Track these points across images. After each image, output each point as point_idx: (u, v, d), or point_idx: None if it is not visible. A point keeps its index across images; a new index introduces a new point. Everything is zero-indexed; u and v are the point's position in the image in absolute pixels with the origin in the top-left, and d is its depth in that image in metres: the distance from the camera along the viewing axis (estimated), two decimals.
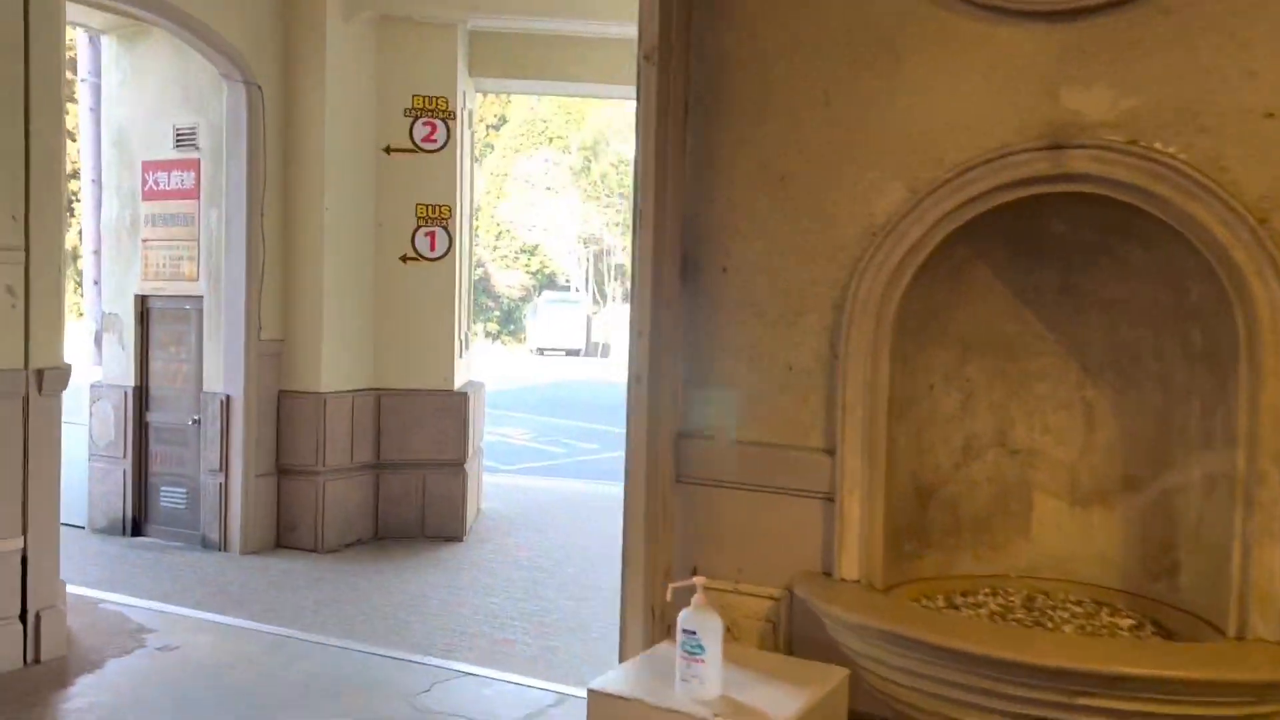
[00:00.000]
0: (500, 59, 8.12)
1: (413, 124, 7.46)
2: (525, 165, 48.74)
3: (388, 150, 7.45)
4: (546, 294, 48.56)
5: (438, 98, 7.48)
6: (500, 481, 10.41)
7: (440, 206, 7.54)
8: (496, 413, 17.17)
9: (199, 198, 7.04)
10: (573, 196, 48.07)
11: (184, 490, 7.23)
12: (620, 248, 49.68)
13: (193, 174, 7.04)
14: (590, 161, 46.73)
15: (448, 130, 7.50)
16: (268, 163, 6.95)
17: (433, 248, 7.56)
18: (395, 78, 7.39)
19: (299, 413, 7.13)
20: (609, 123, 45.47)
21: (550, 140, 59.36)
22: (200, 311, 7.09)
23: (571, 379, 27.29)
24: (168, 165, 7.11)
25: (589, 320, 47.55)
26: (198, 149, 7.01)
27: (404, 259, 7.51)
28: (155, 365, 7.33)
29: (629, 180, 36.52)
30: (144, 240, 7.24)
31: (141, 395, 7.35)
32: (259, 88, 6.84)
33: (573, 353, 45.72)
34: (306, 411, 7.12)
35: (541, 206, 50.26)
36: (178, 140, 7.06)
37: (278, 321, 7.12)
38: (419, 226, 7.52)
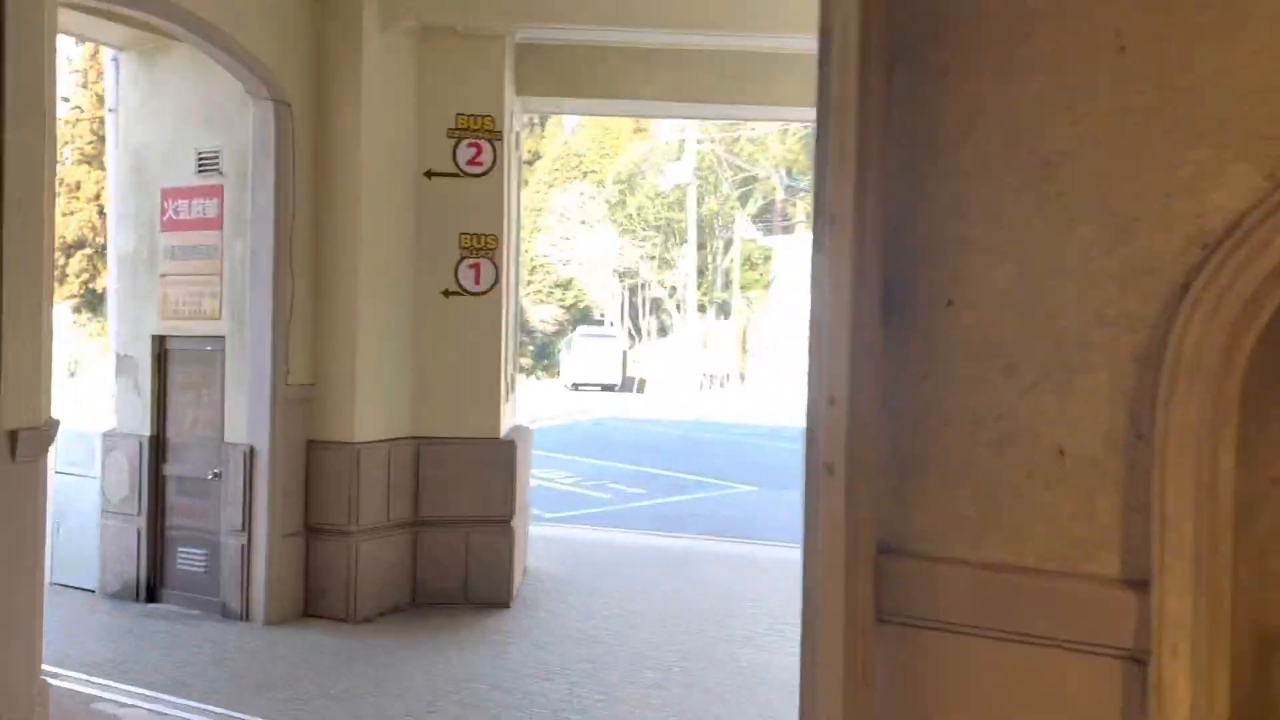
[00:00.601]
0: (552, 75, 7.44)
1: (456, 145, 6.77)
2: (560, 199, 48.39)
3: (429, 174, 6.77)
4: (581, 328, 47.98)
5: (483, 116, 6.80)
6: (545, 533, 9.61)
7: (486, 236, 6.83)
8: (536, 454, 16.43)
9: (222, 228, 6.38)
10: (608, 230, 47.63)
11: (204, 551, 6.50)
12: (656, 281, 49.11)
13: (216, 201, 6.39)
14: (626, 195, 46.30)
15: (494, 152, 6.81)
16: (297, 189, 6.29)
17: (477, 281, 6.84)
18: (438, 95, 6.73)
19: (330, 465, 6.40)
20: (646, 155, 45.07)
21: (585, 175, 59.19)
22: (223, 353, 6.40)
23: (612, 416, 26.49)
24: (189, 193, 6.47)
25: (624, 355, 46.87)
26: (221, 174, 6.36)
27: (446, 294, 6.80)
28: (174, 413, 6.65)
29: (666, 212, 35.83)
30: (162, 275, 6.58)
31: (158, 445, 6.66)
32: (288, 106, 6.19)
33: (608, 388, 44.97)
34: (338, 464, 6.38)
35: (576, 240, 49.86)
36: (200, 165, 6.42)
37: (307, 364, 6.41)
38: (463, 258, 6.81)
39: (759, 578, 7.91)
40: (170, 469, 6.65)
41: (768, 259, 46.79)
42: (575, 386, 44.67)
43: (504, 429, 7.10)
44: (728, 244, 45.99)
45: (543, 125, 79.46)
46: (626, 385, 47.10)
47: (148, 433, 6.63)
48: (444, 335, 6.81)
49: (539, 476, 13.98)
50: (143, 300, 6.68)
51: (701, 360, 38.89)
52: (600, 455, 16.96)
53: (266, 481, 6.21)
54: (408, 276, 6.72)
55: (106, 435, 6.79)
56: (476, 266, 6.84)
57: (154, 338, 6.63)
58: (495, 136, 6.82)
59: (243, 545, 6.26)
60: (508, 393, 7.35)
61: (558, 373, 55.69)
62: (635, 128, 56.22)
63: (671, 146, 40.93)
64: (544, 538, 9.45)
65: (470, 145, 6.80)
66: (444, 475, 6.78)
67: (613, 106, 8.07)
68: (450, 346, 6.82)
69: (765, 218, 43.70)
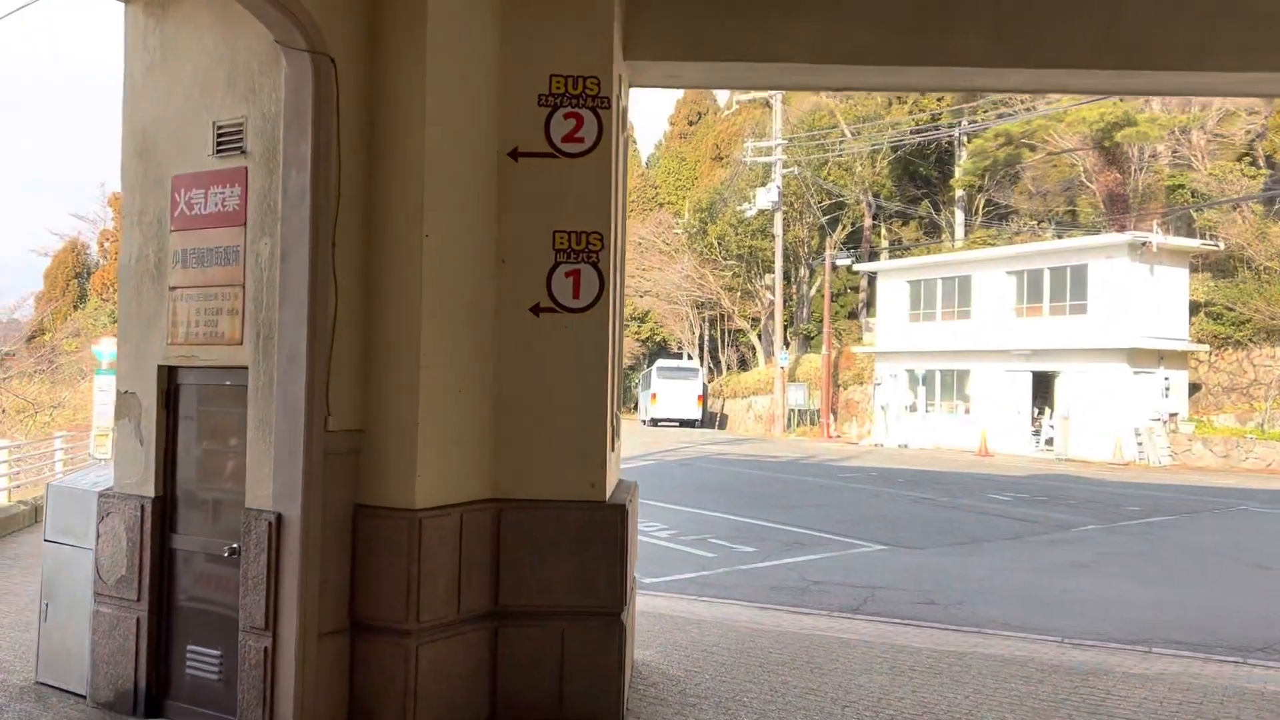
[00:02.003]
0: (667, 30, 5.79)
1: (550, 116, 5.17)
2: (636, 229, 46.98)
3: (514, 155, 5.16)
4: (659, 362, 46.35)
5: (586, 79, 5.18)
6: (647, 605, 7.86)
7: (588, 235, 5.19)
8: None
9: (245, 223, 4.85)
10: (686, 260, 46.03)
11: (219, 653, 4.91)
12: (737, 312, 47.21)
13: (238, 190, 4.86)
14: (705, 223, 44.67)
15: (599, 124, 5.18)
16: (342, 170, 4.73)
17: (576, 294, 5.18)
18: (526, 50, 5.15)
19: (383, 539, 4.77)
20: (728, 181, 43.46)
21: (660, 205, 57.87)
22: (246, 389, 4.84)
23: (701, 455, 24.63)
24: (205, 180, 4.96)
25: (705, 389, 45.02)
26: (244, 153, 4.84)
27: (537, 310, 5.16)
28: (184, 467, 5.10)
29: (749, 240, 34.02)
30: (171, 288, 5.07)
31: (165, 510, 5.12)
32: (330, 61, 4.65)
33: (688, 423, 43.17)
34: (394, 537, 4.75)
35: (653, 271, 48.35)
36: (219, 143, 4.91)
37: (354, 404, 4.81)
38: (558, 263, 5.17)
39: (952, 688, 6.01)
40: (179, 541, 5.10)
41: (856, 288, 44.63)
42: (654, 422, 42.97)
43: (609, 488, 5.39)
44: (814, 272, 43.98)
45: (677, 85, 77.63)
46: (707, 421, 45.21)
47: (151, 493, 5.10)
48: (533, 365, 5.17)
49: None
50: (147, 321, 5.17)
51: (788, 395, 36.86)
52: (696, 503, 15.15)
53: (298, 562, 4.59)
54: (486, 288, 5.10)
55: (102, 496, 5.27)
56: (575, 275, 5.18)
57: (160, 369, 5.11)
58: (601, 104, 5.18)
59: (266, 648, 4.63)
60: (613, 440, 5.65)
61: (634, 408, 54.08)
62: (715, 154, 54.78)
63: (756, 171, 39.25)
64: (648, 612, 7.70)
65: (568, 116, 5.18)
66: (532, 551, 5.09)
67: (743, 73, 6.39)
68: (541, 380, 5.17)
69: (852, 245, 41.65)
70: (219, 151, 4.92)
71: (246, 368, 4.84)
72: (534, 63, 5.15)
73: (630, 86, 6.39)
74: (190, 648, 5.02)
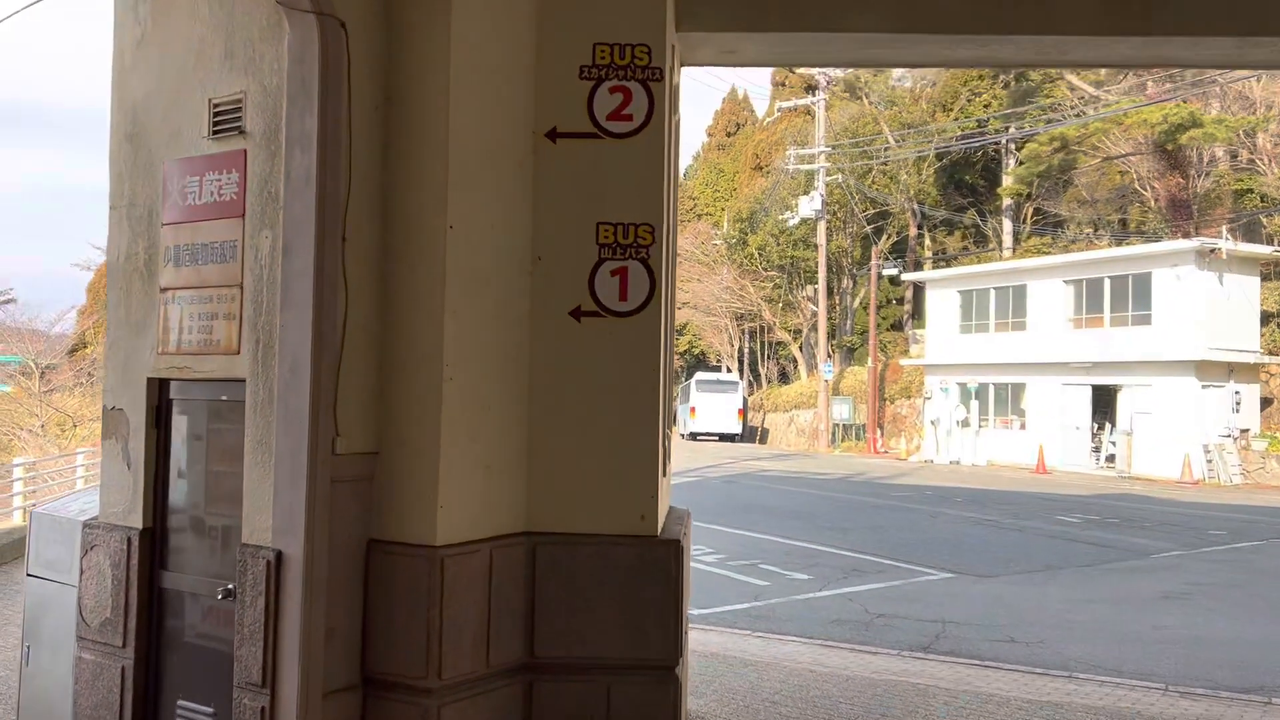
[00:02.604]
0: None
1: (593, 91, 4.49)
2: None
3: (552, 135, 4.49)
4: (698, 375, 45.52)
5: (635, 47, 4.50)
6: (698, 643, 7.11)
7: (637, 227, 4.49)
8: None
9: (244, 214, 4.21)
10: (726, 271, 45.23)
11: (211, 710, 4.25)
12: (778, 324, 46.26)
13: (235, 176, 4.23)
14: (746, 233, 43.84)
15: (650, 100, 4.49)
16: (354, 151, 4.08)
17: (624, 295, 4.49)
18: (566, 15, 4.47)
19: (400, 581, 4.10)
20: (769, 190, 42.63)
21: (699, 217, 57.17)
22: (244, 405, 4.19)
23: (744, 473, 23.82)
24: (199, 165, 4.33)
25: (745, 402, 44.11)
26: (243, 133, 4.20)
27: (578, 314, 4.47)
28: (176, 495, 4.47)
29: (790, 251, 33.13)
30: (163, 289, 4.44)
31: (154, 544, 4.47)
32: (340, 25, 4.01)
33: (727, 438, 42.28)
34: (412, 578, 4.07)
35: (692, 283, 47.61)
36: (216, 123, 4.29)
37: (366, 423, 4.15)
38: (602, 260, 4.48)
39: None
40: (170, 579, 4.46)
41: (900, 300, 43.53)
42: (693, 436, 42.12)
43: (661, 519, 4.67)
44: (857, 283, 42.94)
45: (733, 61, 76.06)
46: (747, 435, 44.27)
47: (139, 524, 4.46)
48: (573, 377, 4.48)
49: None
50: (136, 328, 4.55)
51: (832, 409, 35.87)
52: (743, 523, 14.35)
53: (300, 607, 3.92)
54: (519, 289, 4.43)
55: (86, 526, 4.65)
56: (622, 273, 4.49)
57: (150, 382, 4.48)
58: (652, 76, 4.49)
59: (263, 708, 3.96)
60: (665, 464, 4.93)
61: (673, 422, 53.36)
62: (754, 164, 53.98)
63: (798, 179, 38.39)
64: (700, 651, 6.97)
65: (614, 90, 4.49)
66: (573, 594, 4.39)
67: (810, 47, 5.65)
68: (582, 394, 4.48)
69: (897, 255, 40.60)
70: (215, 133, 4.29)
71: (244, 380, 4.19)
72: (575, 29, 4.48)
73: (681, 65, 5.69)
74: (181, 703, 4.37)
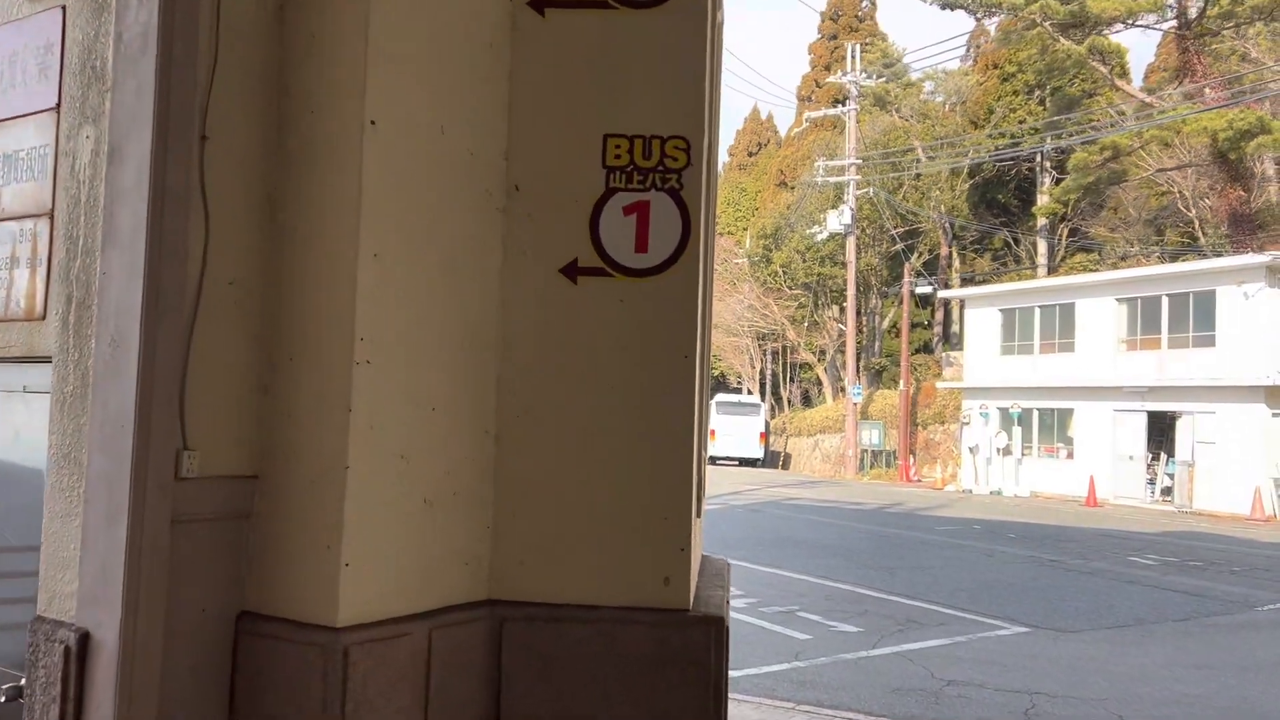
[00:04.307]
0: None
1: None
2: None
3: (539, 3, 3.00)
4: (719, 397, 43.86)
5: None
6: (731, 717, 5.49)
7: (664, 142, 3.00)
8: None
9: (58, 107, 2.73)
10: (749, 289, 43.62)
11: None
12: (802, 345, 44.52)
13: (53, 48, 2.75)
14: (770, 249, 42.25)
15: None
16: (223, 2, 2.60)
17: (642, 243, 2.98)
18: None
19: (281, 680, 2.58)
20: (795, 204, 41.09)
21: (720, 235, 55.75)
22: (53, 399, 2.69)
23: (773, 500, 22.18)
24: (6, 40, 2.86)
25: (768, 426, 42.36)
26: None
27: (574, 271, 2.97)
28: None
29: (817, 268, 31.62)
30: None
31: None
32: None
33: (749, 462, 40.57)
34: (299, 678, 2.55)
35: (713, 301, 46.12)
36: None
37: (236, 431, 2.66)
38: (611, 191, 2.98)
39: None
40: None
41: (928, 324, 41.79)
42: (713, 461, 40.45)
43: (694, 582, 3.12)
44: (885, 303, 41.24)
45: None
46: (769, 460, 42.51)
47: None
48: (565, 365, 2.97)
49: None
50: None
51: (860, 434, 34.12)
52: (774, 560, 12.73)
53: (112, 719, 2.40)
54: (484, 231, 2.93)
55: None
56: (641, 211, 2.98)
57: None
58: None
59: None
60: (699, 500, 3.38)
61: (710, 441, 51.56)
62: (778, 181, 52.50)
63: (825, 194, 36.84)
64: None
65: None
66: (559, 699, 2.85)
67: None
68: (579, 391, 2.96)
69: (927, 275, 38.91)
70: None
71: (51, 358, 2.69)
72: None
73: None
74: None
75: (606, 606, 2.93)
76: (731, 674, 7.32)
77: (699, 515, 3.32)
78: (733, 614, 9.45)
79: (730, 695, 6.65)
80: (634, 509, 2.94)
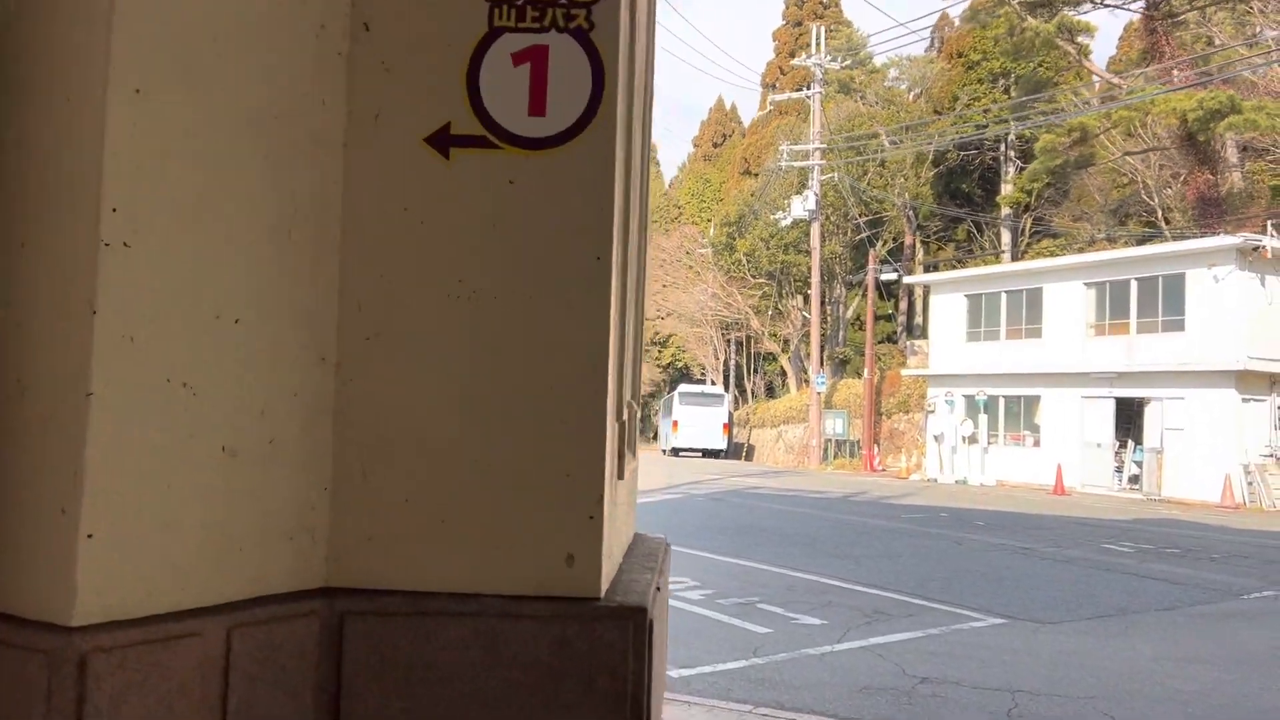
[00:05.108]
0: None
1: None
2: (659, 242, 44.07)
3: None
4: (682, 387, 43.14)
5: None
6: None
7: None
8: None
9: None
10: (712, 278, 42.95)
11: None
12: (766, 334, 43.95)
13: None
14: (734, 238, 41.59)
15: None
16: None
17: (537, 104, 2.18)
18: None
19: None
20: (759, 191, 40.45)
21: (685, 225, 55.01)
22: None
23: (732, 490, 21.51)
24: None
25: (731, 417, 41.74)
26: None
27: (444, 141, 2.17)
28: None
29: (781, 256, 31.05)
30: None
31: None
32: None
33: (712, 454, 39.93)
34: (21, 697, 1.70)
35: (675, 290, 45.33)
36: None
37: None
38: (496, 32, 2.17)
39: None
40: None
41: (890, 316, 41.40)
42: (675, 452, 39.75)
43: (609, 564, 2.33)
44: (850, 292, 40.78)
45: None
46: (733, 451, 41.89)
47: None
48: (433, 268, 2.15)
49: None
50: None
51: (824, 424, 33.58)
52: (734, 549, 12.00)
53: None
54: (315, 83, 2.11)
55: None
56: (537, 59, 2.18)
57: None
58: None
59: None
60: (620, 460, 2.58)
61: (654, 437, 50.80)
62: (743, 169, 51.86)
63: (789, 180, 36.21)
64: None
65: None
66: (421, 711, 2.04)
67: None
68: (450, 304, 2.16)
69: (894, 260, 38.47)
70: None
71: None
72: None
73: None
74: None
75: (489, 595, 2.16)
76: (682, 673, 6.61)
77: (621, 476, 2.54)
78: (687, 607, 8.72)
79: (678, 698, 5.91)
80: (526, 464, 2.16)
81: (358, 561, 2.15)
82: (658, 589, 2.53)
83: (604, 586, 2.20)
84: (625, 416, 2.63)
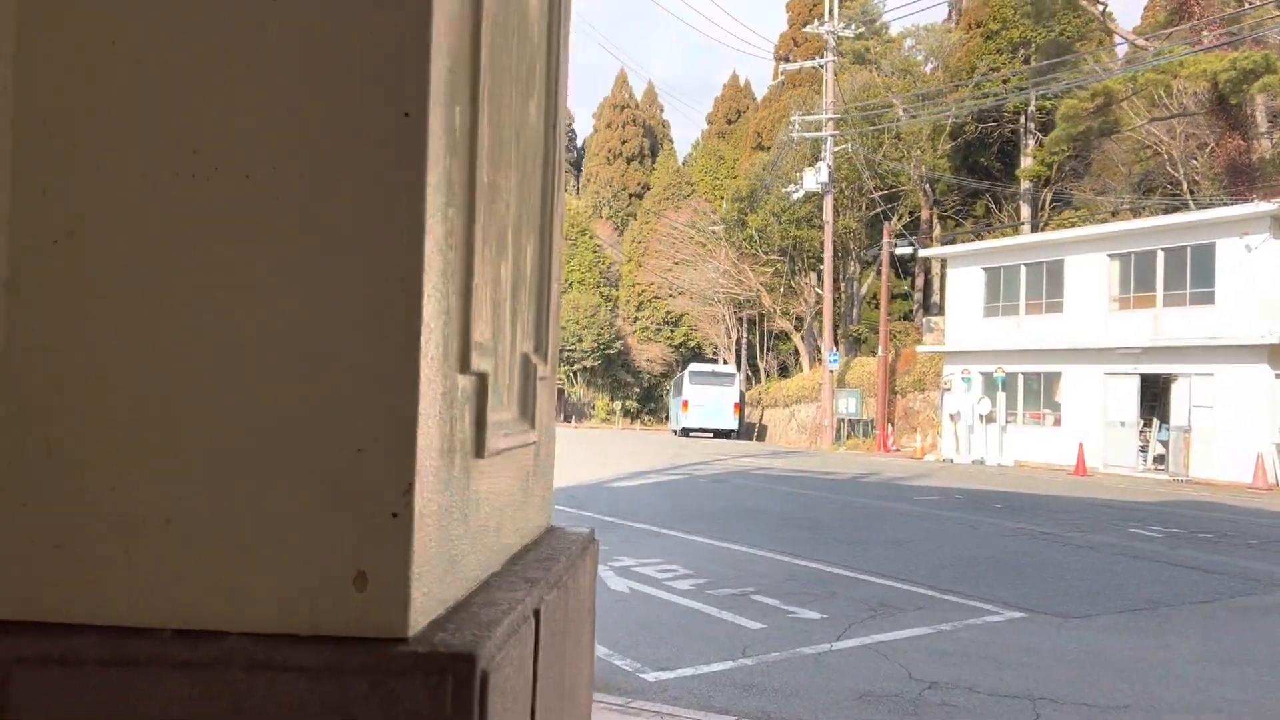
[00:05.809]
0: None
1: None
2: (670, 219, 43.08)
3: None
4: (692, 366, 42.33)
5: None
6: None
7: None
8: (636, 529, 10.93)
9: None
10: (724, 255, 41.99)
11: None
12: (778, 312, 42.99)
13: None
14: (745, 213, 40.57)
15: None
16: None
17: None
18: None
19: None
20: (771, 165, 39.37)
21: (698, 199, 54.04)
22: None
23: (740, 469, 20.78)
24: None
25: (742, 396, 40.91)
26: None
27: None
28: None
29: (794, 231, 30.30)
30: None
31: None
32: None
33: (723, 434, 39.16)
34: None
35: (687, 268, 44.33)
36: None
37: None
38: None
39: None
40: None
41: (906, 294, 40.37)
42: (685, 432, 39.02)
43: (431, 590, 1.55)
44: (864, 269, 39.77)
45: (653, 157, 76.57)
46: (744, 432, 41.09)
47: None
48: (141, 143, 1.35)
49: (633, 576, 8.51)
50: None
51: (837, 403, 32.72)
52: (731, 534, 11.28)
53: None
54: None
55: None
56: None
57: None
58: None
59: None
60: (481, 434, 1.78)
61: (665, 418, 49.98)
62: (755, 144, 50.78)
63: (802, 152, 35.15)
64: None
65: None
66: None
67: None
68: (180, 188, 1.35)
69: (909, 235, 37.43)
70: None
71: None
72: None
73: None
74: None
75: (233, 634, 1.41)
76: (660, 676, 5.84)
77: (482, 457, 1.75)
78: (673, 598, 7.98)
79: (648, 706, 5.17)
80: (290, 432, 1.40)
81: (36, 583, 1.40)
82: (535, 615, 1.77)
83: (419, 620, 1.44)
84: (495, 368, 1.86)
